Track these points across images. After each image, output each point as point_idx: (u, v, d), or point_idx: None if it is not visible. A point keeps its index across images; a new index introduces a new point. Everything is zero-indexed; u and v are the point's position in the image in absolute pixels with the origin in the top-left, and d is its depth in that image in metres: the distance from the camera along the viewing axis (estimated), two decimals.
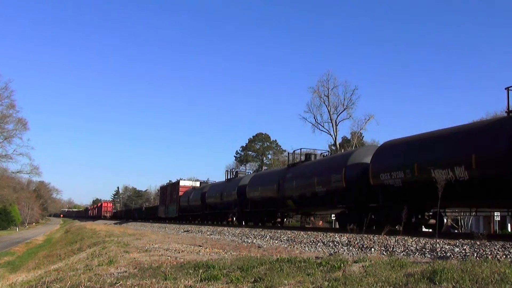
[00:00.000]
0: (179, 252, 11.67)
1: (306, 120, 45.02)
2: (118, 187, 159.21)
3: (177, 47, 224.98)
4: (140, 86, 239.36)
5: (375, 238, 11.52)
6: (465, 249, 8.79)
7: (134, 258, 10.62)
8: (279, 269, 7.07)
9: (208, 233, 21.48)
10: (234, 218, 31.94)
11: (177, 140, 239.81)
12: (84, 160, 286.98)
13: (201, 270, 7.52)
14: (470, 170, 11.63)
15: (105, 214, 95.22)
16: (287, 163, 24.98)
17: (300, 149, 23.75)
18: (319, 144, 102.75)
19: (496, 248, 8.47)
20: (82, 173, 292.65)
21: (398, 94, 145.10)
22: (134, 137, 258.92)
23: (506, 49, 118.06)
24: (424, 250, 9.48)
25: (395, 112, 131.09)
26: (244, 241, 15.81)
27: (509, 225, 29.67)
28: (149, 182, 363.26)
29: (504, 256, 7.83)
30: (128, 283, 7.06)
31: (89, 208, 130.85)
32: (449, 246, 9.28)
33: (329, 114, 44.19)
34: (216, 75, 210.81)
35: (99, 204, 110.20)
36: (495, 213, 23.25)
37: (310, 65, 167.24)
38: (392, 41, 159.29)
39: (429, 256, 8.96)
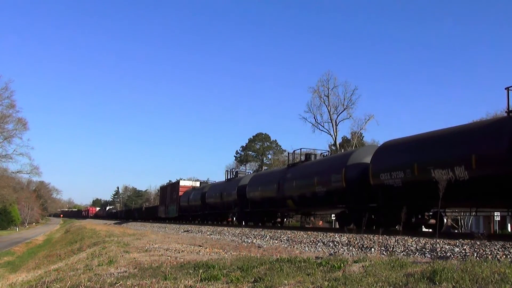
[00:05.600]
0: (179, 252, 11.67)
1: (306, 120, 45.05)
2: (118, 187, 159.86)
3: (177, 47, 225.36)
4: (140, 86, 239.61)
5: (375, 238, 11.51)
6: (465, 249, 8.79)
7: (134, 258, 10.62)
8: (279, 269, 7.06)
9: (208, 233, 21.48)
10: (234, 218, 31.94)
11: (177, 140, 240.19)
12: (84, 160, 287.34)
13: (201, 270, 7.52)
14: (470, 170, 11.63)
15: (91, 215, 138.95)
16: (287, 163, 24.98)
17: (300, 149, 23.76)
18: (319, 144, 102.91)
19: (496, 248, 8.47)
20: (82, 173, 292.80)
21: (398, 94, 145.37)
22: (134, 137, 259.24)
23: (506, 49, 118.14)
24: (424, 250, 9.48)
25: (395, 112, 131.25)
26: (244, 241, 15.80)
27: (509, 225, 29.65)
28: (149, 182, 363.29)
29: (504, 256, 7.83)
30: (128, 283, 7.06)
31: (83, 210, 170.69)
32: (449, 246, 9.28)
33: (329, 114, 44.21)
34: (216, 75, 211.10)
35: (88, 208, 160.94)
36: (495, 213, 23.24)
37: (310, 65, 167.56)
38: (392, 41, 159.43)
39: (429, 256, 8.96)
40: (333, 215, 26.42)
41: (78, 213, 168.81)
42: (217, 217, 33.49)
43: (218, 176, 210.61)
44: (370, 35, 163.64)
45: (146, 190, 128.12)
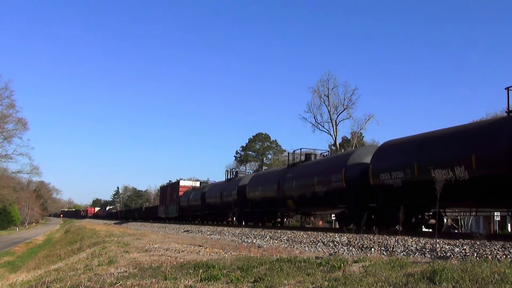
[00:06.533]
0: (179, 252, 11.67)
1: (306, 120, 45.08)
2: (118, 187, 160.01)
3: (177, 47, 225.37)
4: (140, 86, 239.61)
5: (375, 238, 11.52)
6: (465, 249, 8.79)
7: (134, 258, 10.62)
8: (279, 269, 7.06)
9: (208, 233, 21.48)
10: (234, 218, 31.94)
11: (177, 140, 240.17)
12: (84, 160, 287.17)
13: (201, 270, 7.52)
14: (470, 170, 11.63)
15: (90, 215, 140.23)
16: (287, 163, 24.97)
17: (300, 149, 23.75)
18: (319, 144, 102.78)
19: (496, 248, 8.47)
20: (82, 173, 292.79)
21: (398, 94, 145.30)
22: (134, 137, 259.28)
23: (506, 49, 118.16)
24: (424, 250, 9.48)
25: (395, 112, 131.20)
26: (244, 241, 15.80)
27: (509, 225, 29.63)
28: (149, 182, 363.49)
29: (504, 256, 7.83)
30: (128, 283, 7.06)
31: (81, 210, 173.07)
32: (449, 246, 9.28)
33: (329, 114, 44.23)
34: (216, 75, 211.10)
35: (86, 209, 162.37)
36: (495, 213, 23.22)
37: (310, 65, 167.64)
38: (392, 41, 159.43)
39: (429, 256, 8.96)
40: (333, 215, 26.41)
41: (76, 213, 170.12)
42: (217, 217, 33.48)
43: (218, 176, 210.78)
44: (370, 35, 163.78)
45: (146, 190, 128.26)
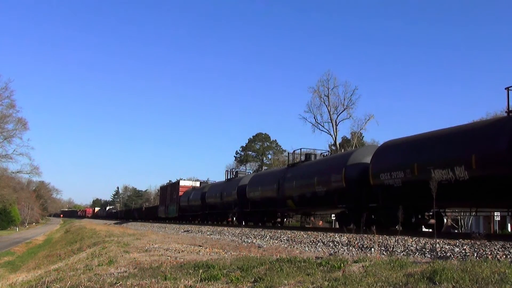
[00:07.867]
0: (179, 252, 11.67)
1: (306, 120, 45.05)
2: (118, 187, 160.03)
3: (176, 47, 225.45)
4: (140, 86, 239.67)
5: (375, 238, 11.51)
6: (465, 249, 8.79)
7: (134, 258, 10.62)
8: (279, 269, 7.07)
9: (208, 233, 21.47)
10: (234, 218, 31.94)
11: (177, 140, 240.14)
12: (84, 160, 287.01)
13: (201, 270, 7.52)
14: (470, 170, 11.63)
15: (88, 215, 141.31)
16: (287, 163, 24.97)
17: (300, 149, 23.76)
18: (319, 144, 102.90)
19: (496, 248, 8.47)
20: (82, 173, 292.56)
21: (398, 94, 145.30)
22: (133, 137, 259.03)
23: (506, 49, 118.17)
24: (424, 250, 9.48)
25: (395, 112, 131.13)
26: (244, 241, 15.80)
27: (509, 225, 29.62)
28: (149, 182, 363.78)
29: (504, 256, 7.83)
30: (128, 283, 7.06)
31: (78, 210, 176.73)
32: (449, 246, 9.27)
33: (329, 114, 44.18)
34: (216, 75, 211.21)
35: (85, 209, 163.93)
36: (495, 213, 23.22)
37: (310, 65, 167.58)
38: (392, 41, 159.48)
39: (429, 256, 8.96)
40: (333, 215, 26.41)
41: (73, 213, 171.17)
42: (217, 217, 33.49)
43: (218, 176, 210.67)
44: (370, 35, 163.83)
45: (146, 190, 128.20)
